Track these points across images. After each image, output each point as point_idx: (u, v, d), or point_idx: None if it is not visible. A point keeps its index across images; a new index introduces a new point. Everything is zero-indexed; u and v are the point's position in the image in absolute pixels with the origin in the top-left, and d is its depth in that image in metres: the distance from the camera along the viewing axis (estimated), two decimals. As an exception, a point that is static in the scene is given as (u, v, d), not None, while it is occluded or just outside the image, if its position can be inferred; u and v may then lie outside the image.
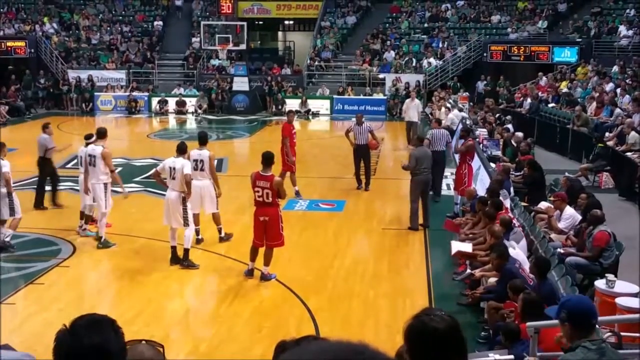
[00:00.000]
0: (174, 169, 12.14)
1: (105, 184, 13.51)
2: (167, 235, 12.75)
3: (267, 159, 11.47)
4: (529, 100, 28.35)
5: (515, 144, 18.92)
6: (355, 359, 1.41)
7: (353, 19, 41.74)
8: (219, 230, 13.76)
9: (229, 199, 15.21)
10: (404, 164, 14.98)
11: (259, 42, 47.05)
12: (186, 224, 12.22)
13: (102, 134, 13.98)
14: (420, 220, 14.77)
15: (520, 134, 20.14)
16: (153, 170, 13.18)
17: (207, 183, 13.48)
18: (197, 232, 13.70)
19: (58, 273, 12.12)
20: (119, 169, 18.58)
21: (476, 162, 16.76)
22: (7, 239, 13.24)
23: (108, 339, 2.51)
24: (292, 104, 34.29)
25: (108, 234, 14.17)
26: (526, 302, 7.47)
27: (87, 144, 13.97)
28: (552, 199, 13.08)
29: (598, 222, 10.86)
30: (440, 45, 37.79)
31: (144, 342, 3.02)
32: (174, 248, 12.32)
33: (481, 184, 15.75)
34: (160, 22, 42.30)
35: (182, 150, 12.45)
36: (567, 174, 14.91)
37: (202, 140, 13.87)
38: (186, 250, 12.20)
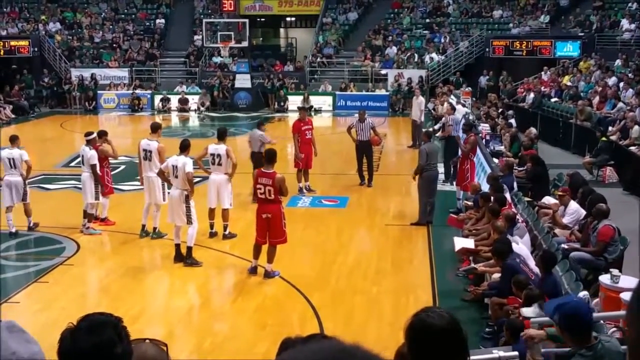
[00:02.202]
0: (176, 167, 12.17)
1: None
2: (171, 233, 12.78)
3: (270, 157, 11.51)
4: (531, 94, 28.29)
5: (523, 139, 18.83)
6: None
7: (354, 15, 41.69)
8: (225, 227, 13.80)
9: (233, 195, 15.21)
10: (416, 169, 14.91)
11: (261, 39, 46.97)
12: (189, 221, 12.24)
13: (156, 128, 14.22)
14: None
15: (533, 130, 20.01)
16: (157, 169, 13.20)
17: (224, 178, 13.62)
18: (212, 225, 13.90)
19: (62, 271, 12.14)
20: (122, 166, 18.63)
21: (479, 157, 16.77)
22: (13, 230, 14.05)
23: (109, 342, 2.51)
24: (295, 100, 34.28)
25: (112, 232, 14.25)
26: (529, 298, 7.46)
27: (87, 142, 14.08)
28: (557, 193, 13.05)
29: (603, 217, 10.83)
30: (442, 40, 37.71)
31: (147, 340, 3.03)
32: (177, 246, 12.35)
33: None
34: (163, 20, 42.29)
35: (184, 148, 12.48)
36: (566, 173, 14.88)
37: (221, 135, 14.06)
38: (189, 248, 12.22)
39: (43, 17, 41.74)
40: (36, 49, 38.35)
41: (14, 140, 14.29)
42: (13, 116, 32.39)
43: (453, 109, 19.79)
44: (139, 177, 14.43)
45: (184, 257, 12.24)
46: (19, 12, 42.63)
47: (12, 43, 38.36)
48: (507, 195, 12.75)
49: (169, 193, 13.54)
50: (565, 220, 12.16)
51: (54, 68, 38.02)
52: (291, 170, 17.30)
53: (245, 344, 9.25)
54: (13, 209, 14.08)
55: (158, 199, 13.69)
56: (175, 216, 12.32)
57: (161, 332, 9.43)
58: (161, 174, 12.85)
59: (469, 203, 14.05)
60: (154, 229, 13.76)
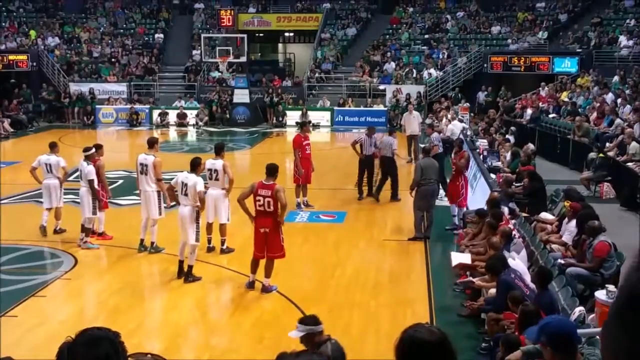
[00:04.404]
0: (187, 185, 12.14)
1: (158, 192, 13.68)
2: (169, 248, 12.77)
3: (270, 170, 11.54)
4: (529, 110, 28.37)
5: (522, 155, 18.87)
6: None
7: (353, 30, 41.85)
8: (222, 242, 13.81)
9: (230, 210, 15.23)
10: (411, 184, 15.02)
11: (259, 54, 47.12)
12: (197, 239, 12.22)
13: (152, 143, 14.32)
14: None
15: (531, 145, 20.06)
16: (167, 185, 13.12)
17: (221, 193, 13.64)
18: (209, 240, 13.88)
19: (60, 285, 12.14)
20: (120, 181, 18.64)
21: (470, 173, 16.80)
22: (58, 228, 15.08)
23: (105, 357, 2.53)
24: (293, 115, 34.37)
25: (109, 247, 14.24)
26: (524, 314, 7.48)
27: (85, 157, 14.12)
28: (566, 204, 13.07)
29: (596, 233, 10.88)
30: (441, 56, 37.84)
31: (149, 355, 3.06)
32: (181, 262, 12.28)
33: (482, 195, 15.70)
34: (161, 35, 42.44)
35: (194, 167, 12.41)
36: (562, 189, 14.93)
37: (218, 150, 14.10)
38: (190, 267, 12.17)
39: (32, 32, 41.71)
40: (35, 64, 38.43)
41: (52, 147, 15.33)
42: (12, 130, 32.41)
43: (431, 127, 20.72)
44: (138, 192, 14.46)
45: (186, 275, 12.16)
46: (17, 27, 42.73)
47: (11, 57, 38.47)
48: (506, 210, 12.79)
49: (165, 207, 13.66)
50: (565, 237, 12.18)
51: (53, 82, 38.05)
52: (290, 185, 17.33)
53: (243, 358, 9.24)
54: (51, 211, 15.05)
55: (153, 214, 13.69)
56: (185, 233, 12.25)
57: (159, 346, 9.43)
58: (170, 190, 12.74)
59: (470, 219, 14.08)
60: (152, 243, 13.75)
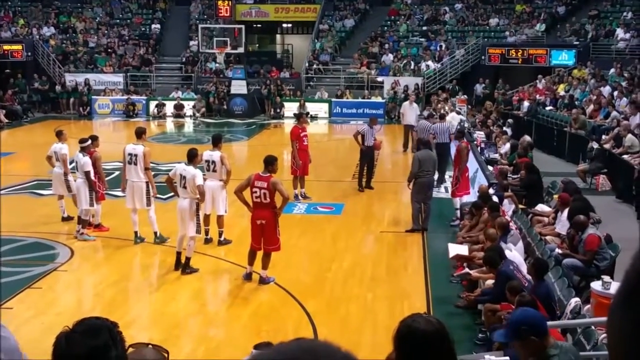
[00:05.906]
0: (185, 178, 12.09)
1: (147, 182, 13.66)
2: (173, 239, 12.75)
3: (267, 162, 11.53)
4: (526, 103, 28.38)
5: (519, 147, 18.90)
6: (304, 358, 1.40)
7: (351, 22, 41.75)
8: (220, 234, 13.79)
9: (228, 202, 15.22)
10: (409, 176, 15.05)
11: (257, 45, 46.99)
12: (198, 231, 12.21)
13: (140, 133, 14.32)
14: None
15: (527, 137, 20.07)
16: (166, 177, 13.08)
17: (218, 184, 13.62)
18: (207, 232, 13.81)
19: (56, 277, 12.11)
20: (116, 172, 18.61)
21: (473, 166, 16.77)
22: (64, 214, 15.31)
23: (104, 346, 2.52)
24: (291, 107, 34.30)
25: (106, 238, 14.22)
26: (521, 304, 7.48)
27: (81, 149, 14.07)
28: (555, 196, 13.13)
29: (583, 227, 10.94)
30: (439, 48, 37.79)
31: (150, 346, 3.06)
32: (179, 254, 12.27)
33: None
34: (158, 25, 42.27)
35: (191, 158, 12.36)
36: (561, 180, 14.94)
37: (215, 141, 14.07)
38: (188, 259, 12.15)
39: (21, 20, 41.58)
40: (30, 54, 38.26)
41: (58, 135, 15.31)
42: (6, 121, 32.29)
43: (432, 117, 21.31)
44: (121, 182, 14.40)
45: (183, 267, 12.16)
46: (12, 16, 42.54)
47: (6, 47, 38.22)
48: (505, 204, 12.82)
49: (152, 197, 13.66)
50: (559, 228, 12.22)
51: (48, 73, 37.90)
52: (287, 176, 17.32)
53: (240, 351, 9.21)
54: (64, 198, 15.30)
55: (143, 204, 13.66)
56: (185, 226, 12.24)
57: (155, 338, 9.41)
58: (169, 182, 12.71)
59: (467, 210, 14.11)
60: (155, 233, 13.70)
